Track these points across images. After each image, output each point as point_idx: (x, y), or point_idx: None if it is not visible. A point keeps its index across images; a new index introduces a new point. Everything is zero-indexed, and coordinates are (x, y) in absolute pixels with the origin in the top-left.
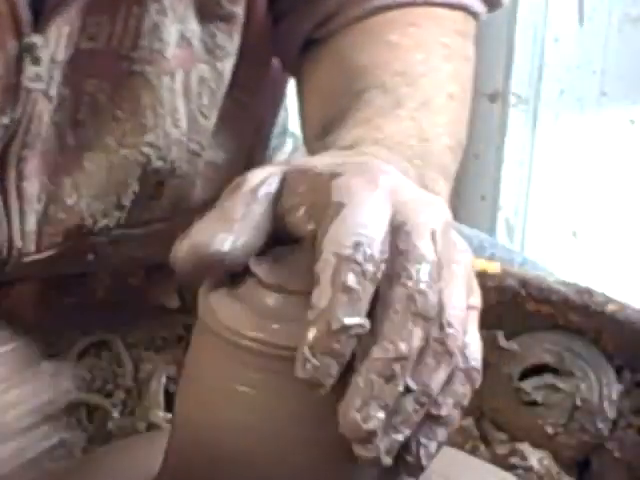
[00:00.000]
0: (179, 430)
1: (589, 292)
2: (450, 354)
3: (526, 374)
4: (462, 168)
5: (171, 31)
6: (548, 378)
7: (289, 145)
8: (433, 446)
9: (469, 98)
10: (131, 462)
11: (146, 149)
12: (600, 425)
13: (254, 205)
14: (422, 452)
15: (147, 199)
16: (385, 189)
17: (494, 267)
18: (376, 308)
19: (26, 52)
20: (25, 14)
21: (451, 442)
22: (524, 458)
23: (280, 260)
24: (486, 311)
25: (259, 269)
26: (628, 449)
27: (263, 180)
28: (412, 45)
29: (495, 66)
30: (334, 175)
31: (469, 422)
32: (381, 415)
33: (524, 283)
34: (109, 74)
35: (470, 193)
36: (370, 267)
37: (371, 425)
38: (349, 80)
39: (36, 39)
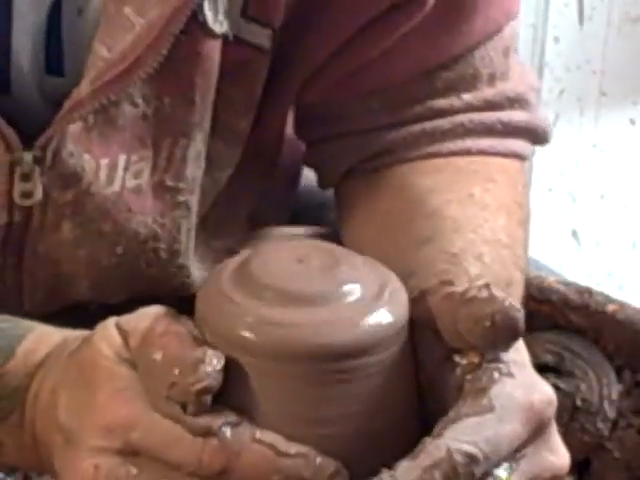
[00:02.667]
0: None
1: (589, 292)
2: None
3: None
4: None
5: (202, 155)
6: (548, 378)
7: None
8: None
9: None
10: None
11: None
12: (600, 425)
13: None
14: None
15: None
16: (532, 422)
17: None
18: None
19: (17, 165)
20: (9, 133)
21: None
22: None
23: None
24: None
25: None
26: (628, 449)
27: None
28: (495, 207)
29: None
30: (510, 374)
31: None
32: None
33: (524, 283)
34: (152, 209)
35: None
36: None
37: None
38: (434, 229)
39: (25, 156)
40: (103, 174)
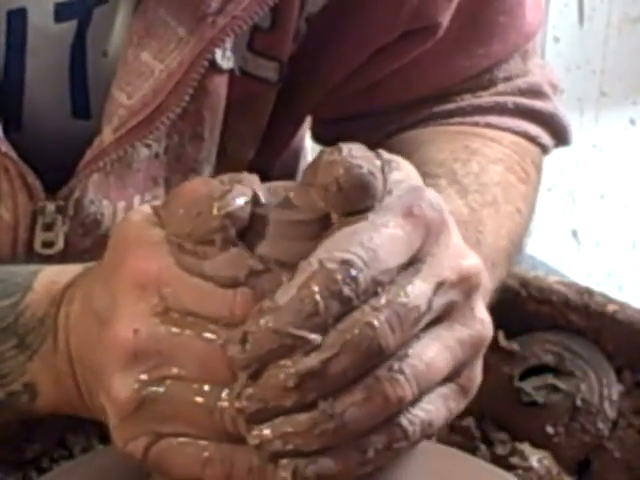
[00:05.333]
0: None
1: (589, 292)
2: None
3: (526, 374)
4: None
5: None
6: (548, 378)
7: None
8: None
9: (530, 224)
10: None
11: None
12: (600, 425)
13: None
14: None
15: None
16: (417, 227)
17: None
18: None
19: (40, 215)
20: (34, 183)
21: (451, 442)
22: (524, 458)
23: None
24: None
25: None
26: (628, 449)
27: None
28: (493, 158)
29: None
30: (387, 192)
31: (469, 422)
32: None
33: (524, 283)
34: None
35: None
36: (347, 290)
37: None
38: (419, 167)
39: (49, 206)
40: (120, 218)
